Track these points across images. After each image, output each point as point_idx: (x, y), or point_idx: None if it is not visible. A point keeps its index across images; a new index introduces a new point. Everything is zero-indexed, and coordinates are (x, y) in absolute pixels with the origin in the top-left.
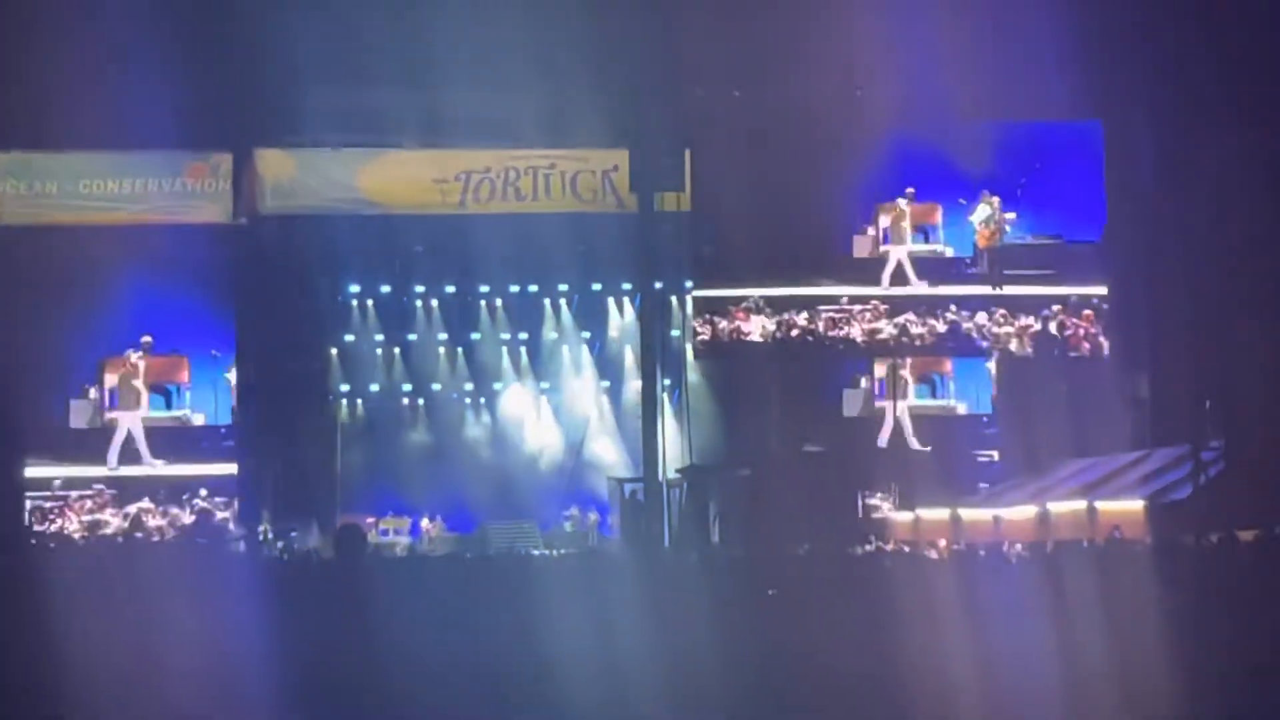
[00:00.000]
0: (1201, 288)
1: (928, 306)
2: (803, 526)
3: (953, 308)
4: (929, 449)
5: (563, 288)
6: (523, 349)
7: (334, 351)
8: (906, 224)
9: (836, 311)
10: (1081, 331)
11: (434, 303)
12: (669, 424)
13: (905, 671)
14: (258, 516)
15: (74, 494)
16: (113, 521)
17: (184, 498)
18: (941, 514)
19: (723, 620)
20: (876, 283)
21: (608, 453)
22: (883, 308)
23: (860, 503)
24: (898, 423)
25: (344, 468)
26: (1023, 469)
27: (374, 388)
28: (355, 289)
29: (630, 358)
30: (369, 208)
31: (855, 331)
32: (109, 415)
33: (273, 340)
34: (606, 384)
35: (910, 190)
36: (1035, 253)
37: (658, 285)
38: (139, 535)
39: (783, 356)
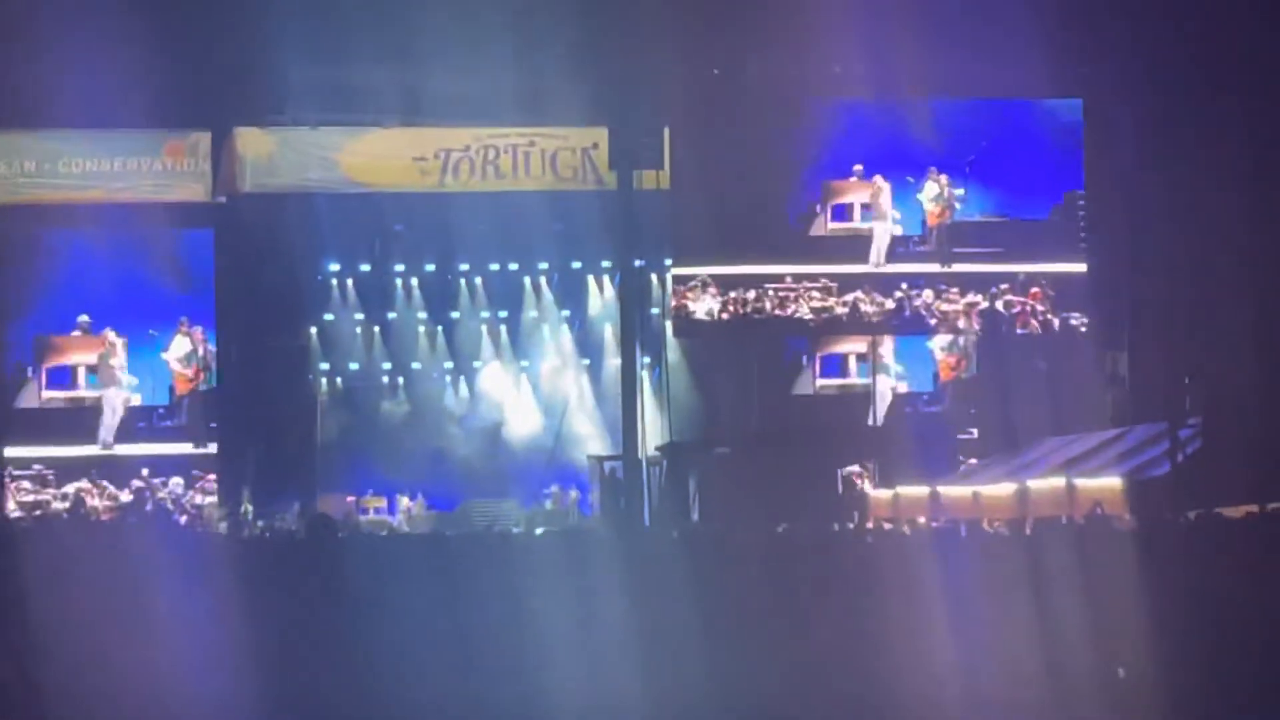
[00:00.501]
0: (1180, 265)
1: (876, 284)
2: (782, 504)
3: (903, 285)
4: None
5: (542, 266)
6: (502, 327)
7: (314, 330)
8: (885, 199)
9: (785, 290)
10: (1029, 309)
11: (414, 281)
12: (649, 402)
13: (887, 648)
14: (238, 495)
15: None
16: (55, 503)
17: (163, 480)
18: (920, 491)
19: (702, 596)
20: (836, 260)
21: (587, 430)
22: (832, 285)
23: (839, 480)
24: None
25: (324, 446)
26: (1002, 446)
27: (354, 366)
28: (335, 267)
29: (610, 335)
30: (348, 186)
31: (804, 310)
32: (95, 394)
33: (252, 319)
34: (586, 362)
35: (858, 167)
36: (984, 231)
37: (637, 263)
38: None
39: (729, 334)
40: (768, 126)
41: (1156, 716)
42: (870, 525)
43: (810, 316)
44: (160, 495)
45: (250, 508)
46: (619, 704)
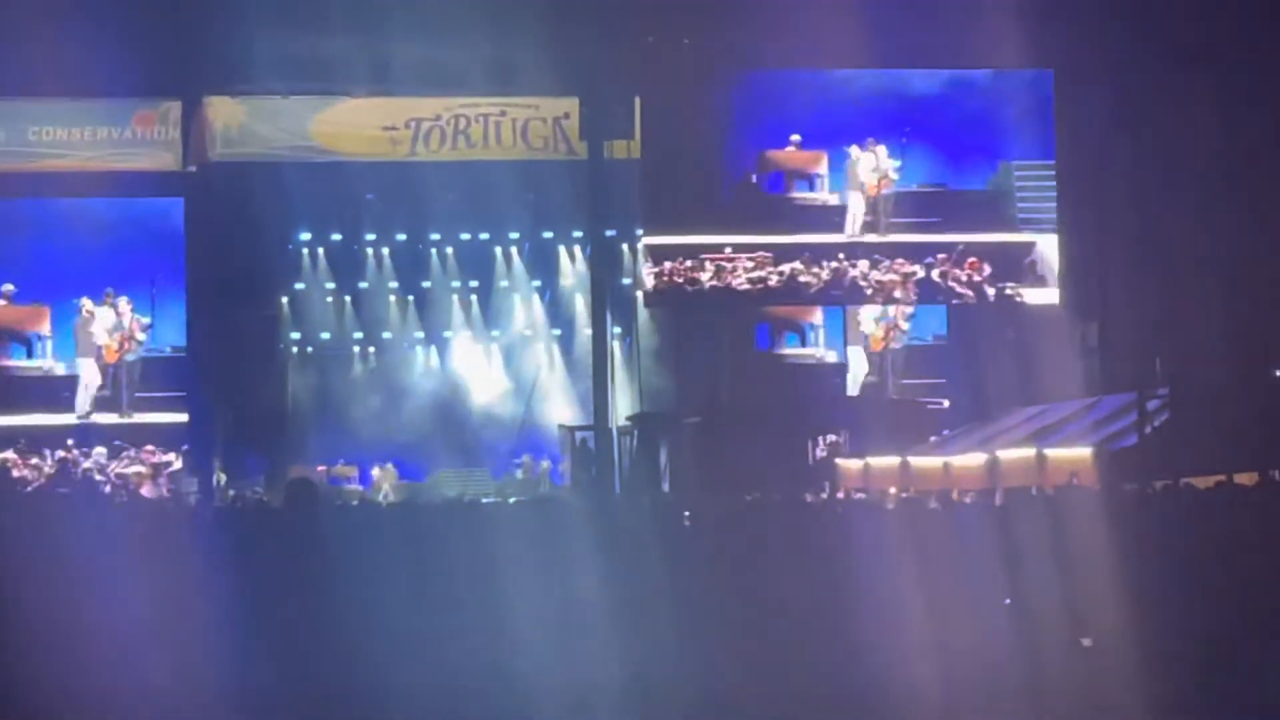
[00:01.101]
0: (1151, 236)
1: (813, 255)
2: (753, 474)
3: (840, 256)
4: (888, 398)
5: (514, 236)
6: (474, 297)
7: (284, 299)
8: (860, 169)
9: (722, 260)
10: (965, 279)
11: (385, 251)
12: (619, 372)
13: (859, 615)
14: (209, 464)
15: None
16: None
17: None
18: (891, 461)
19: (674, 565)
20: (802, 230)
21: (558, 400)
22: (768, 256)
23: (811, 450)
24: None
25: (295, 416)
26: (973, 416)
27: (325, 336)
28: (306, 237)
29: (581, 306)
30: (319, 155)
31: (740, 281)
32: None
33: (223, 288)
34: (557, 332)
35: (796, 137)
36: (921, 201)
37: (609, 233)
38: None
39: (702, 305)
40: (730, 96)
41: (1123, 684)
42: (841, 495)
43: (746, 287)
44: (85, 466)
45: (223, 476)
46: (592, 672)
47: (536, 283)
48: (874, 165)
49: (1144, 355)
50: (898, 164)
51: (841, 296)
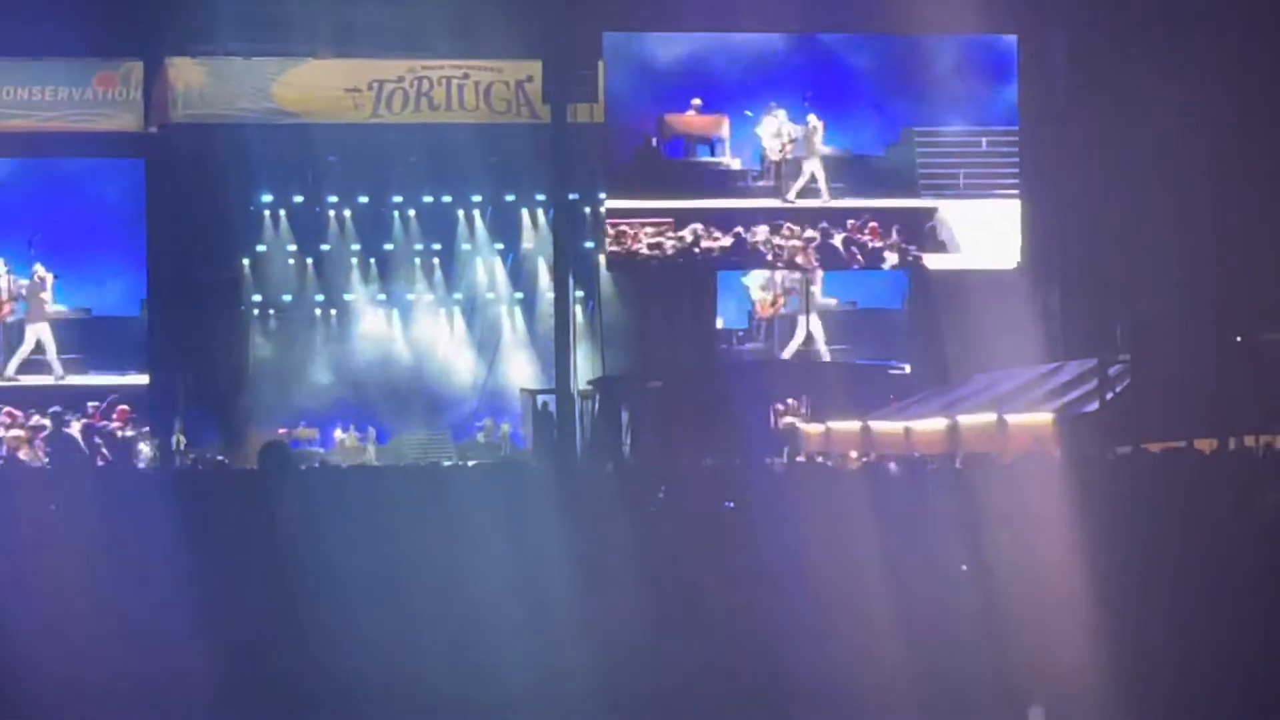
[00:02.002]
0: (1112, 201)
1: (716, 219)
2: (714, 438)
3: (740, 221)
4: (846, 361)
5: (476, 199)
6: (436, 260)
7: (246, 261)
8: (819, 137)
9: (624, 225)
10: (867, 244)
11: (347, 213)
12: (581, 335)
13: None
14: (169, 426)
15: None
16: None
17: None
18: (852, 426)
19: (634, 529)
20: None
21: (520, 364)
22: (668, 221)
23: (772, 415)
24: (810, 335)
25: (255, 378)
26: (933, 381)
27: (286, 298)
28: (268, 199)
29: (544, 269)
30: (281, 117)
31: (641, 245)
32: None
33: (184, 250)
34: (520, 295)
35: (696, 101)
36: (824, 165)
37: (571, 197)
38: None
39: (664, 270)
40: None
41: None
42: (802, 459)
43: (647, 252)
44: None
45: (183, 439)
46: (555, 632)
47: (499, 246)
48: (776, 129)
49: (1105, 321)
50: (820, 126)
51: (741, 262)
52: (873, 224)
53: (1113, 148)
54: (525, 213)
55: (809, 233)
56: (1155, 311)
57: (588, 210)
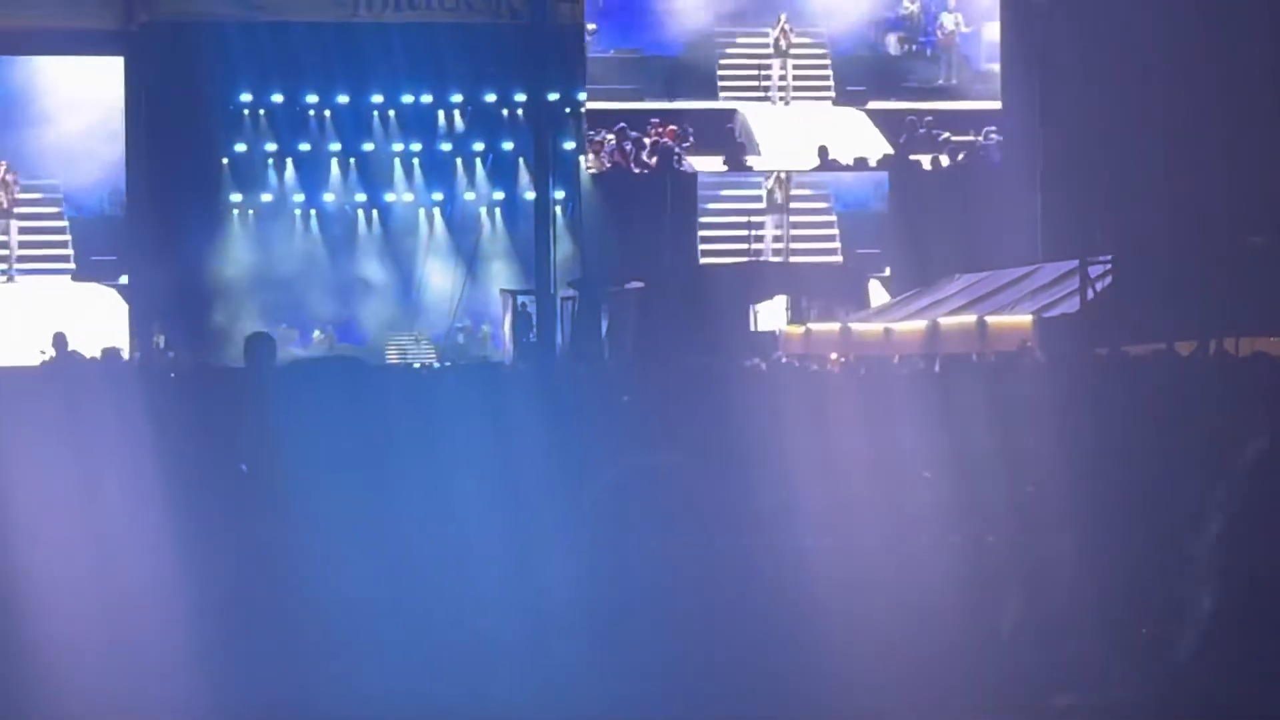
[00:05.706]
0: (1093, 103)
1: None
2: (693, 339)
3: None
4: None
5: (456, 99)
6: (415, 160)
7: (225, 160)
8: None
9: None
10: (659, 145)
11: (326, 112)
12: (561, 236)
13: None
14: (149, 326)
15: None
16: None
17: None
18: (832, 327)
19: (613, 428)
20: None
21: (500, 265)
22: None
23: (752, 317)
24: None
25: (235, 278)
26: (913, 283)
27: (266, 198)
28: (247, 97)
29: (524, 169)
30: (261, 16)
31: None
32: None
33: (163, 148)
34: (500, 195)
35: None
36: (616, 67)
37: (552, 96)
38: None
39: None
40: None
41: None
42: (783, 360)
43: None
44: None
45: (162, 339)
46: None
47: (479, 146)
48: None
49: (1085, 222)
50: (592, 28)
51: None
52: (671, 126)
53: (1095, 50)
54: (505, 112)
55: (601, 135)
56: (1137, 213)
57: (568, 110)
